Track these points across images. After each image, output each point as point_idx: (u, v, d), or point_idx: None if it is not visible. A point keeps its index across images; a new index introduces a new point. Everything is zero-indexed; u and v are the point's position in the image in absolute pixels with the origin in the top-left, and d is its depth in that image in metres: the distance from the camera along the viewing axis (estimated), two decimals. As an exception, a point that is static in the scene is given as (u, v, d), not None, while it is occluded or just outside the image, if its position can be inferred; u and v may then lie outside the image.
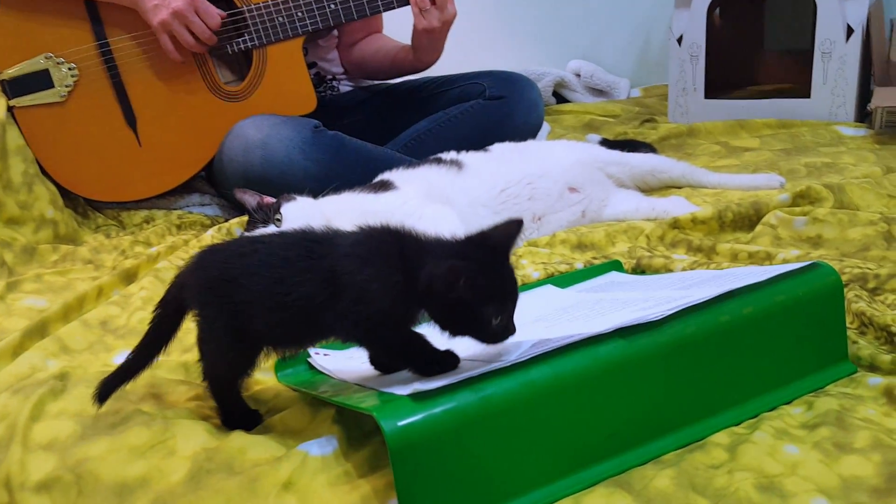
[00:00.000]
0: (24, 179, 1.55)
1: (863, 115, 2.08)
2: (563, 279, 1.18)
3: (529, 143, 1.68)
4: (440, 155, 1.51)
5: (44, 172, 1.62)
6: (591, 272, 1.20)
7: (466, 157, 1.50)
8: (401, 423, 0.68)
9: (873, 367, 0.90)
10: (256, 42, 1.67)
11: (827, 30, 2.04)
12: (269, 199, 1.33)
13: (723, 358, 0.82)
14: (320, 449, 0.79)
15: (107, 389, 0.86)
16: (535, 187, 1.47)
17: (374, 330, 0.77)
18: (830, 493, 0.69)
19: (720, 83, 2.27)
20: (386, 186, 1.41)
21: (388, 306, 0.75)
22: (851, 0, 2.04)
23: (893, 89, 1.99)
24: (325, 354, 0.99)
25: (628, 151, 1.70)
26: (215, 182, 1.74)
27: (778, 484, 0.71)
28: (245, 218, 1.40)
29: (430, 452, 0.69)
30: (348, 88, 2.00)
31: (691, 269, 1.17)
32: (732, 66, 2.40)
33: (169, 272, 1.29)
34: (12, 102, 1.62)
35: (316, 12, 1.67)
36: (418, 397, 0.71)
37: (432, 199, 1.38)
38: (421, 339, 0.79)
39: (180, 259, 1.33)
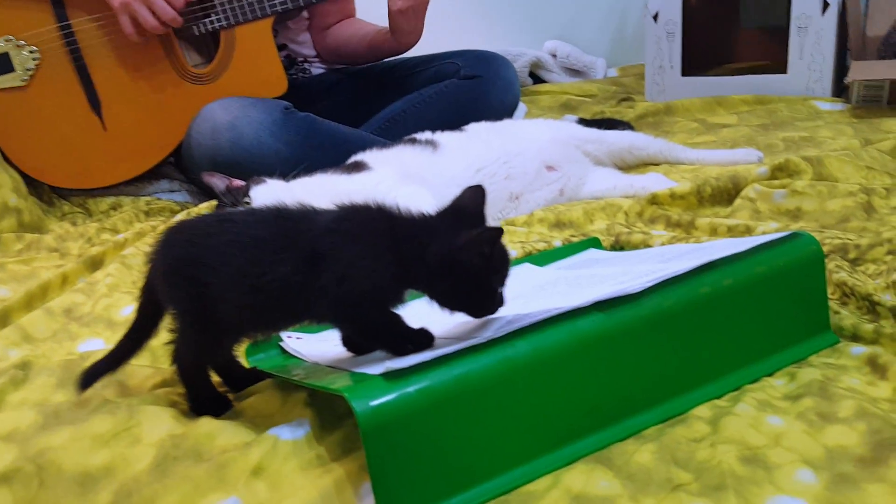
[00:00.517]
0: (-15, 167, 1.50)
1: (840, 89, 2.07)
2: (541, 257, 1.15)
3: (505, 122, 1.65)
4: (415, 135, 1.48)
5: (6, 159, 1.57)
6: (569, 250, 1.18)
7: (441, 136, 1.48)
8: (373, 404, 0.66)
9: (856, 337, 0.88)
10: (224, 23, 1.63)
11: (802, 4, 2.02)
12: (238, 183, 1.30)
13: (704, 330, 0.80)
14: (291, 433, 0.77)
15: (91, 377, 0.83)
16: (511, 166, 1.45)
17: (357, 310, 0.74)
18: (815, 463, 0.68)
19: (697, 61, 2.26)
20: (359, 167, 1.38)
21: (377, 286, 0.73)
22: (827, -26, 2.03)
23: (870, 63, 1.98)
24: (297, 338, 0.97)
25: (606, 129, 1.68)
26: (184, 167, 1.70)
27: (762, 456, 0.69)
28: (214, 203, 1.36)
29: (404, 433, 0.67)
30: (321, 71, 1.96)
31: (670, 244, 1.15)
32: (709, 44, 2.38)
33: (136, 259, 1.25)
34: (-28, 87, 1.57)
35: (285, -8, 1.63)
36: (391, 376, 0.68)
37: (407, 179, 1.35)
38: (397, 319, 0.76)
39: (148, 245, 1.30)
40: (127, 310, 1.10)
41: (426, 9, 1.69)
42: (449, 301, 0.76)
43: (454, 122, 1.57)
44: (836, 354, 0.85)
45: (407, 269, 0.74)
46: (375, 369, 0.70)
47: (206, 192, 1.57)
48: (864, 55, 2.08)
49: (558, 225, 1.35)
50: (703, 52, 2.29)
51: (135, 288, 1.15)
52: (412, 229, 0.75)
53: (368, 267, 0.73)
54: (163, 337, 0.83)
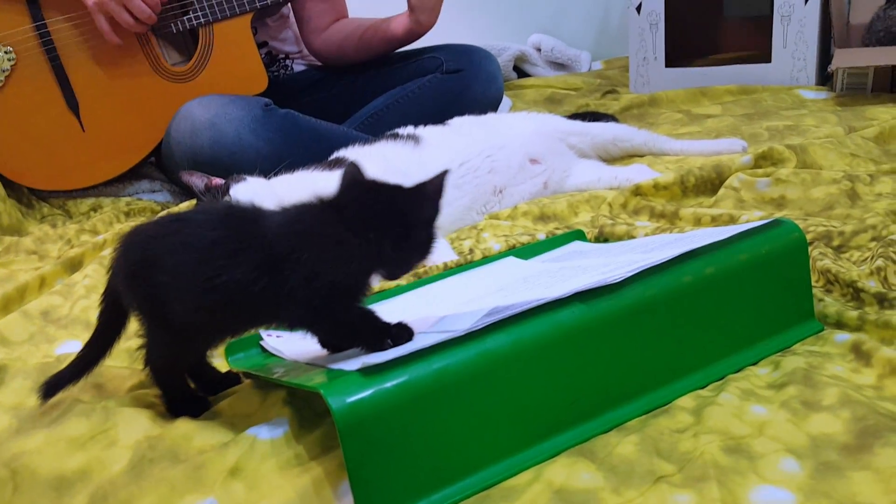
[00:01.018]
0: (-39, 170, 1.48)
1: (824, 77, 2.07)
2: (525, 250, 1.14)
3: (489, 115, 1.64)
4: (397, 130, 1.47)
5: (-17, 163, 1.55)
6: (553, 242, 1.17)
7: (424, 131, 1.46)
8: (350, 400, 0.65)
9: (840, 325, 0.88)
10: (202, 20, 1.61)
11: (785, -7, 2.02)
12: (218, 181, 1.28)
13: (686, 320, 0.79)
14: (270, 432, 0.75)
15: (53, 387, 0.82)
16: (494, 160, 1.44)
17: (331, 307, 0.72)
18: (799, 451, 0.67)
19: (681, 52, 2.25)
20: (341, 164, 1.36)
21: (347, 277, 0.72)
22: (809, -38, 2.03)
23: (853, 50, 1.98)
24: (277, 336, 0.95)
25: (590, 121, 1.67)
26: (165, 167, 1.68)
27: (745, 445, 0.68)
28: (194, 202, 1.35)
29: (382, 429, 0.65)
30: (302, 68, 1.94)
31: (654, 234, 1.15)
32: (692, 35, 2.38)
33: (115, 259, 1.23)
34: (-54, 89, 1.55)
35: (264, -12, 1.62)
36: (368, 372, 0.67)
37: (389, 175, 1.33)
38: (372, 313, 0.75)
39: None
40: (105, 311, 1.09)
41: None
42: (396, 264, 0.75)
43: (437, 116, 1.55)
44: (820, 342, 0.85)
45: (368, 253, 0.72)
46: (352, 365, 0.69)
47: (187, 193, 1.55)
48: (847, 43, 2.08)
49: (542, 218, 1.34)
50: (686, 44, 2.29)
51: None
52: (361, 213, 0.73)
53: (333, 260, 0.71)
54: (137, 339, 0.82)
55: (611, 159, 1.62)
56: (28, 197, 1.64)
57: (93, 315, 1.09)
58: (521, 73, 2.64)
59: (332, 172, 1.33)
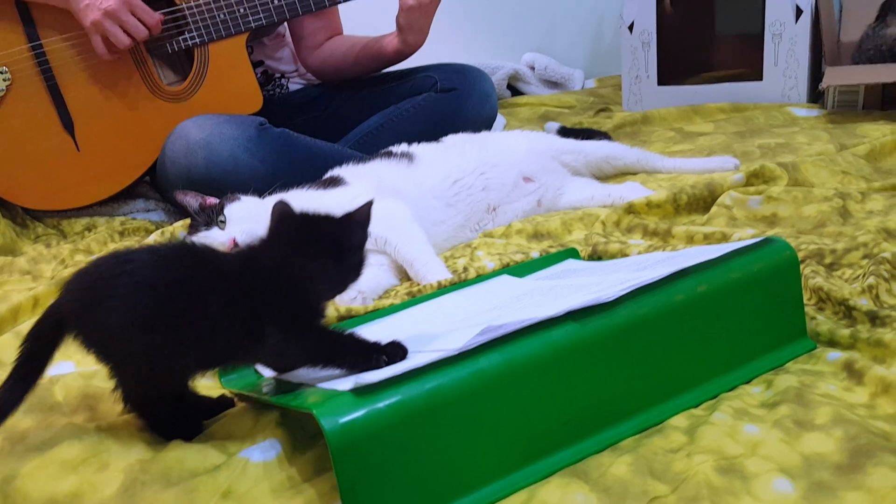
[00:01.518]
0: (-44, 190, 1.48)
1: (815, 95, 2.09)
2: (519, 269, 1.15)
3: (482, 133, 1.65)
4: (391, 148, 1.47)
5: (-22, 182, 1.55)
6: (546, 261, 1.17)
7: (418, 149, 1.47)
8: (342, 420, 0.65)
9: (832, 343, 0.88)
10: (197, 40, 1.62)
11: (776, 11, 2.04)
12: (212, 200, 1.28)
13: (679, 338, 0.80)
14: (262, 454, 0.75)
15: None
16: (488, 177, 1.44)
17: (306, 329, 0.75)
18: (792, 471, 0.67)
19: (673, 70, 2.27)
20: (336, 182, 1.37)
21: (312, 298, 0.76)
22: (799, -19, 2.05)
23: (844, 68, 1.99)
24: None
25: (584, 139, 1.68)
26: (159, 186, 1.69)
27: (738, 465, 0.68)
28: (189, 221, 1.35)
29: (375, 450, 0.65)
30: (298, 86, 1.95)
31: (647, 252, 1.15)
32: (685, 53, 2.39)
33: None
34: (-59, 109, 1.55)
35: (259, 8, 1.63)
36: (360, 392, 0.67)
37: (384, 193, 1.34)
38: (354, 335, 0.77)
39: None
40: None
41: (436, 9, 1.68)
42: (336, 281, 0.80)
43: (432, 135, 1.56)
44: (812, 360, 0.85)
45: (320, 276, 0.77)
46: (345, 384, 0.69)
47: (182, 212, 1.55)
48: (838, 61, 2.10)
49: (536, 236, 1.35)
50: (678, 62, 2.30)
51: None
52: (304, 241, 0.78)
53: (300, 284, 0.75)
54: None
55: (604, 177, 1.63)
56: (22, 216, 1.63)
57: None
58: (515, 92, 2.66)
59: (327, 191, 1.34)
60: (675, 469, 0.69)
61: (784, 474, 0.66)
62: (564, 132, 1.83)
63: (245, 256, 0.79)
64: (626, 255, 1.16)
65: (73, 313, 0.75)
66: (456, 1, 2.78)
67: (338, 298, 0.90)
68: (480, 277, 1.13)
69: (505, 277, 1.11)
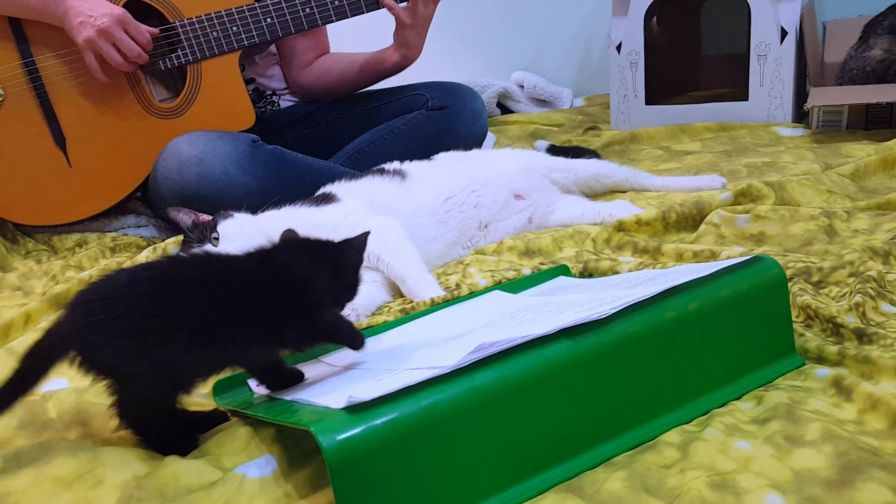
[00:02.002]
0: (-54, 205, 1.47)
1: (800, 115, 2.12)
2: (511, 286, 1.16)
3: (474, 151, 1.66)
4: (383, 165, 1.49)
5: (-32, 197, 1.55)
6: (538, 278, 1.18)
7: (410, 166, 1.48)
8: (340, 438, 0.65)
9: (821, 359, 0.89)
10: (190, 57, 1.63)
11: (761, 33, 2.07)
12: (205, 217, 1.28)
13: (670, 355, 0.81)
14: (259, 470, 0.76)
15: None
16: (480, 195, 1.46)
17: (316, 315, 0.82)
18: (783, 487, 0.68)
19: (660, 90, 2.30)
20: (328, 199, 1.37)
21: (320, 293, 0.82)
22: (784, 2, 2.09)
23: (828, 89, 2.03)
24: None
25: (573, 157, 1.70)
26: (151, 202, 1.69)
27: (731, 481, 0.69)
28: (181, 237, 1.35)
29: (372, 467, 0.66)
30: (289, 104, 1.96)
31: (637, 269, 1.16)
32: (672, 73, 2.43)
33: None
34: (-67, 125, 1.55)
35: (252, 26, 1.64)
36: (357, 409, 0.68)
37: (376, 210, 1.35)
38: (341, 316, 0.86)
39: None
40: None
41: (429, 25, 1.72)
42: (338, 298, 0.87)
43: (423, 152, 1.57)
44: (801, 377, 0.86)
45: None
46: (337, 401, 0.70)
47: (173, 228, 1.56)
48: (822, 81, 2.14)
49: (528, 253, 1.36)
50: (666, 81, 2.34)
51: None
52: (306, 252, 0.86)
53: (311, 281, 0.82)
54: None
55: (593, 195, 1.65)
56: (13, 232, 1.63)
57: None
58: (505, 110, 2.68)
59: (320, 208, 1.34)
60: (669, 485, 0.69)
61: (776, 490, 0.67)
62: (553, 150, 1.85)
63: (249, 262, 0.84)
64: (616, 272, 1.18)
65: (76, 332, 0.76)
66: (447, 20, 2.81)
67: None
68: (473, 294, 1.14)
69: (497, 294, 1.12)
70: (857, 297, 0.97)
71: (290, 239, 0.90)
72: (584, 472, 0.73)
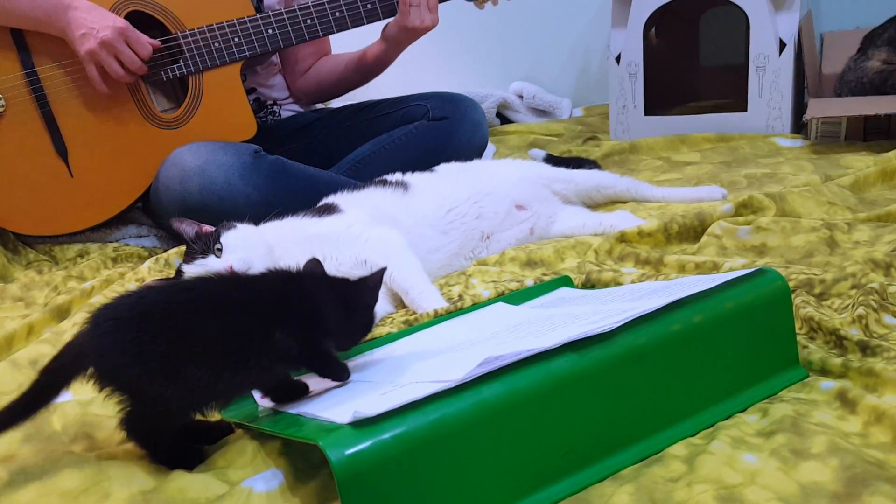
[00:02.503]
0: (-53, 215, 1.47)
1: (799, 126, 2.13)
2: (514, 297, 1.16)
3: (475, 162, 1.67)
4: (386, 177, 1.49)
5: (-30, 207, 1.55)
6: (540, 289, 1.18)
7: (412, 178, 1.48)
8: (348, 452, 0.65)
9: (825, 371, 0.89)
10: (192, 68, 1.63)
11: (760, 44, 2.08)
12: (209, 228, 1.28)
13: (676, 367, 0.81)
14: (265, 484, 0.76)
15: None
16: (481, 206, 1.46)
17: (317, 344, 0.85)
18: (790, 500, 0.68)
19: (660, 100, 2.31)
20: (330, 210, 1.38)
21: (328, 323, 0.84)
22: (782, 14, 2.10)
23: (827, 100, 2.04)
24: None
25: (573, 168, 1.71)
26: (152, 212, 1.69)
27: (738, 494, 0.69)
28: (184, 248, 1.35)
29: (381, 481, 0.66)
30: (290, 114, 1.97)
31: (640, 281, 1.17)
32: (671, 83, 2.44)
33: (104, 306, 1.23)
34: (-65, 135, 1.55)
35: (253, 37, 1.65)
36: (365, 423, 0.68)
37: (378, 221, 1.35)
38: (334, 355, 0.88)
39: (116, 293, 1.28)
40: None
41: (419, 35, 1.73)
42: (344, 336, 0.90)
43: (424, 163, 1.58)
44: (806, 389, 0.86)
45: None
46: (343, 415, 0.70)
47: (176, 238, 1.56)
48: (821, 93, 2.15)
49: (530, 264, 1.36)
50: (665, 92, 2.35)
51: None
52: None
53: (323, 312, 0.85)
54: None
55: (594, 205, 1.65)
56: (14, 242, 1.63)
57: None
58: (504, 120, 2.69)
59: (322, 218, 1.35)
60: (677, 498, 0.70)
61: (782, 503, 0.67)
62: (550, 160, 1.86)
63: (276, 285, 0.87)
64: (619, 283, 1.18)
65: (100, 349, 0.76)
66: (446, 31, 2.81)
67: None
68: (476, 305, 1.14)
69: (501, 305, 1.12)
70: (860, 310, 0.97)
71: (314, 271, 0.92)
72: (592, 485, 0.73)
